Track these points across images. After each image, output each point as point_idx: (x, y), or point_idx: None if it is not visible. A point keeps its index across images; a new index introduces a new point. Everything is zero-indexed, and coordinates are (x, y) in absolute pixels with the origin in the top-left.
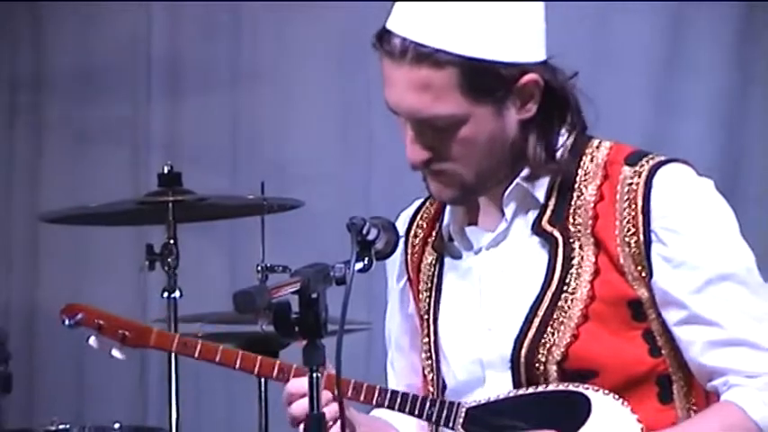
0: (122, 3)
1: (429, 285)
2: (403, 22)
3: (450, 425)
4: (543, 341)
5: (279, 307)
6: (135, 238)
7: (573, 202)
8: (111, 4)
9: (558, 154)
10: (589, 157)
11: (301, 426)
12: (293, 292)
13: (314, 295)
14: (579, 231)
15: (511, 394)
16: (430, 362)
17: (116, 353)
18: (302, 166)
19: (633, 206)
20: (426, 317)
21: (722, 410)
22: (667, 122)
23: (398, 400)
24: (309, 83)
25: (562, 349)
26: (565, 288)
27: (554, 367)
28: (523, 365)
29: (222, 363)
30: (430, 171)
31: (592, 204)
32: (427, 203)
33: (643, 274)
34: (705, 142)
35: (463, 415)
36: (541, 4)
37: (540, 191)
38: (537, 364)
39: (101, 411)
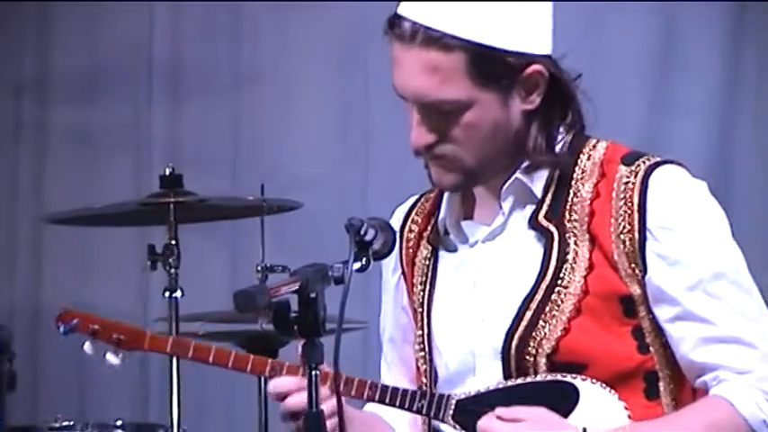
0: (125, 3)
1: (424, 278)
2: (414, 7)
3: (441, 417)
4: (534, 333)
5: (278, 306)
6: (137, 238)
7: (570, 199)
8: (113, 5)
9: (558, 149)
10: (586, 155)
11: (291, 422)
12: (292, 292)
13: (313, 295)
14: (575, 227)
15: (500, 385)
16: (423, 353)
17: (110, 357)
18: (301, 168)
19: (629, 204)
20: (420, 309)
21: (711, 404)
22: (661, 122)
23: (389, 394)
24: (309, 85)
25: (553, 342)
26: (559, 282)
27: (544, 359)
28: (514, 357)
29: (216, 363)
30: (432, 156)
31: (588, 201)
32: (422, 199)
33: (636, 272)
34: (698, 141)
35: (453, 407)
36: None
37: (537, 186)
38: (527, 356)
39: (103, 408)
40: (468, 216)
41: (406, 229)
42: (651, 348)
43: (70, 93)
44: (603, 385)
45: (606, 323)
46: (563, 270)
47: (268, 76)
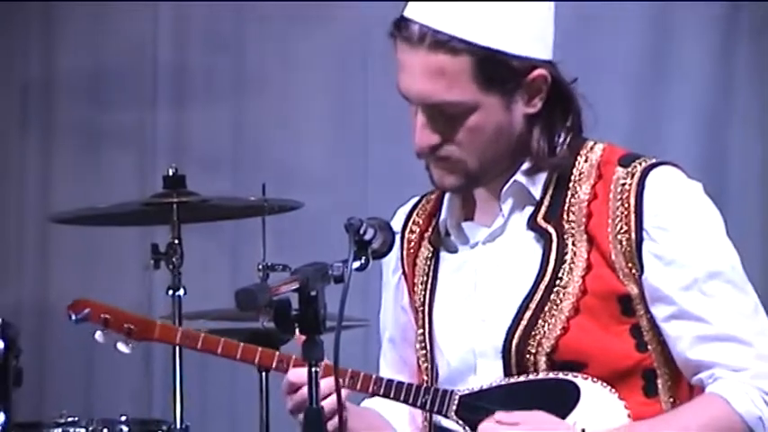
0: (130, 3)
1: (424, 278)
2: (421, 10)
3: (444, 412)
4: (534, 332)
5: (279, 304)
6: (141, 238)
7: (568, 200)
8: (118, 5)
9: (557, 151)
10: (584, 157)
11: (301, 415)
12: (293, 290)
13: (313, 293)
14: (573, 228)
15: (503, 382)
16: (424, 351)
17: (121, 346)
18: (302, 169)
19: (626, 205)
20: (422, 309)
21: (707, 402)
22: (653, 122)
23: (393, 389)
24: (310, 88)
25: (552, 341)
26: (557, 282)
27: (543, 358)
28: (514, 355)
29: (224, 354)
30: (435, 157)
31: (586, 203)
32: (423, 201)
33: (633, 271)
34: (691, 142)
35: (456, 402)
36: (551, 4)
37: (536, 188)
38: (527, 355)
39: (108, 405)
40: (469, 217)
41: (408, 230)
42: (649, 346)
43: (75, 93)
44: (604, 384)
45: (604, 322)
46: (561, 270)
47: (270, 78)
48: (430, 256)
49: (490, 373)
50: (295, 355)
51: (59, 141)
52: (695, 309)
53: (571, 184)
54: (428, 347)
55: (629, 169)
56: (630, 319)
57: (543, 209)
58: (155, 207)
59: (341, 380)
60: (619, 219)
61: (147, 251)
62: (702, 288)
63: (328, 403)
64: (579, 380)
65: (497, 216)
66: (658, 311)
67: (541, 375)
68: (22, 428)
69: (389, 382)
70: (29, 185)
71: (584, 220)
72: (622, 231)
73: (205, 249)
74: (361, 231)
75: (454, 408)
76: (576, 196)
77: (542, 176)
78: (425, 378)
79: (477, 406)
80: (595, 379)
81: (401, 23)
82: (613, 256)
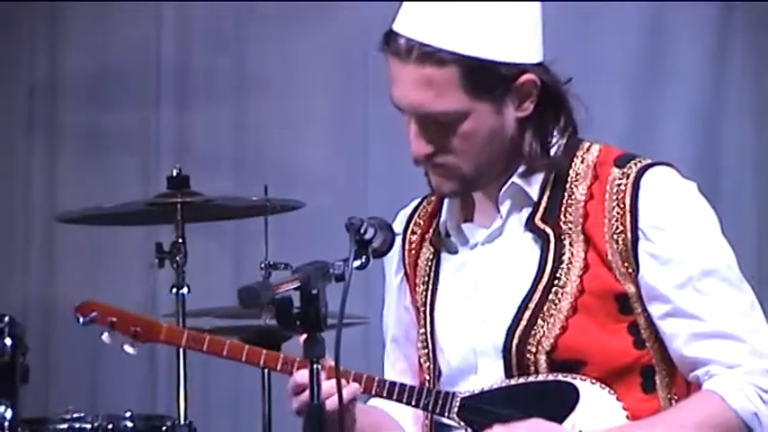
0: (133, 4)
1: (426, 279)
2: (408, 24)
3: (446, 413)
4: (534, 332)
5: (281, 302)
6: (145, 237)
7: (564, 201)
8: (122, 6)
9: (552, 152)
10: (580, 158)
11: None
12: (295, 289)
13: (314, 291)
14: (570, 228)
15: (503, 384)
16: (426, 351)
17: (128, 348)
18: (304, 169)
19: (621, 205)
20: (423, 308)
21: (703, 399)
22: (647, 122)
23: (396, 390)
24: (311, 89)
25: (551, 340)
26: (555, 282)
27: (543, 357)
28: (514, 355)
29: (229, 356)
30: (432, 165)
31: (582, 203)
32: (424, 202)
33: (630, 270)
34: (686, 142)
35: (458, 404)
36: (538, 5)
37: (533, 189)
38: (527, 354)
39: (113, 401)
40: (469, 219)
41: (409, 231)
42: (647, 344)
43: (79, 94)
44: (603, 386)
45: (602, 321)
46: (559, 270)
47: (271, 78)
48: (431, 256)
49: (491, 373)
50: (299, 357)
51: (65, 142)
52: (690, 306)
53: (568, 185)
54: (430, 347)
55: (625, 170)
56: (628, 317)
57: (541, 210)
58: (159, 207)
59: (343, 381)
60: (615, 219)
61: (152, 250)
62: (697, 286)
63: (331, 402)
64: (578, 381)
65: (496, 217)
66: (654, 310)
67: (541, 377)
68: (28, 424)
69: (392, 383)
70: (35, 186)
71: (580, 220)
72: (618, 231)
73: (208, 248)
74: (362, 231)
75: (456, 409)
76: (573, 197)
77: (539, 178)
78: (427, 377)
79: (478, 408)
80: (594, 380)
81: (390, 37)
82: (610, 256)
